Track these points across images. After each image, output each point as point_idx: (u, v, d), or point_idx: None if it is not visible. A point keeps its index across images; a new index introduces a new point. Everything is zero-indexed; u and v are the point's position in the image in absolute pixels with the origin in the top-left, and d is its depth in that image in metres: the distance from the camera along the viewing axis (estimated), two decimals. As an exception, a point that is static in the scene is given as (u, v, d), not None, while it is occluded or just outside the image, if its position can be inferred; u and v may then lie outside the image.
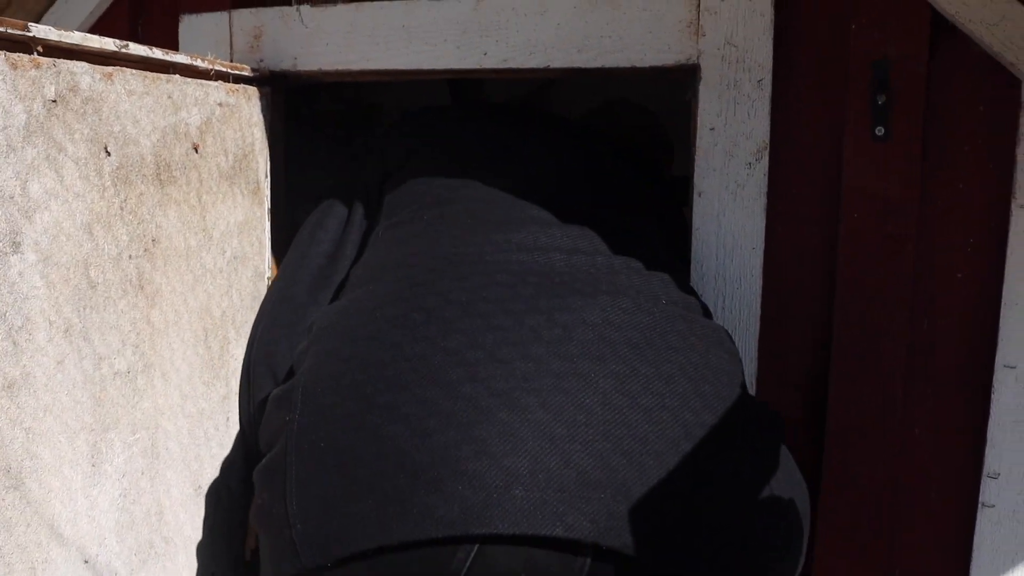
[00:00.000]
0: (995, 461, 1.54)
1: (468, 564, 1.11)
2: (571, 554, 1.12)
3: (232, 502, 1.62)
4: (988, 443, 1.54)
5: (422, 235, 1.48)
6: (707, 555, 1.17)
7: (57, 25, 1.84)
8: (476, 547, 1.12)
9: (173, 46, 1.85)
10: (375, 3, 1.70)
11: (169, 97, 1.39)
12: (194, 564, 1.51)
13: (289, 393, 1.33)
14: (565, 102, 2.45)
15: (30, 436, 1.11)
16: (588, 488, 1.13)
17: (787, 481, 1.27)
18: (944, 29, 1.47)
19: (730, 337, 1.36)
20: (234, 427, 1.62)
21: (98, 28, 1.95)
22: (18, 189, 1.08)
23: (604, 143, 1.81)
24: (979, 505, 1.56)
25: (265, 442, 1.36)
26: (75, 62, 1.18)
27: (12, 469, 1.09)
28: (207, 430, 1.54)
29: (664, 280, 1.38)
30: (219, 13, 1.82)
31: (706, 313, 1.41)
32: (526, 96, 2.50)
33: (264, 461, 1.31)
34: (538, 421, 1.15)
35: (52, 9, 1.94)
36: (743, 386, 1.29)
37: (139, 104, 1.31)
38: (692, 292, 1.44)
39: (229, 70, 1.62)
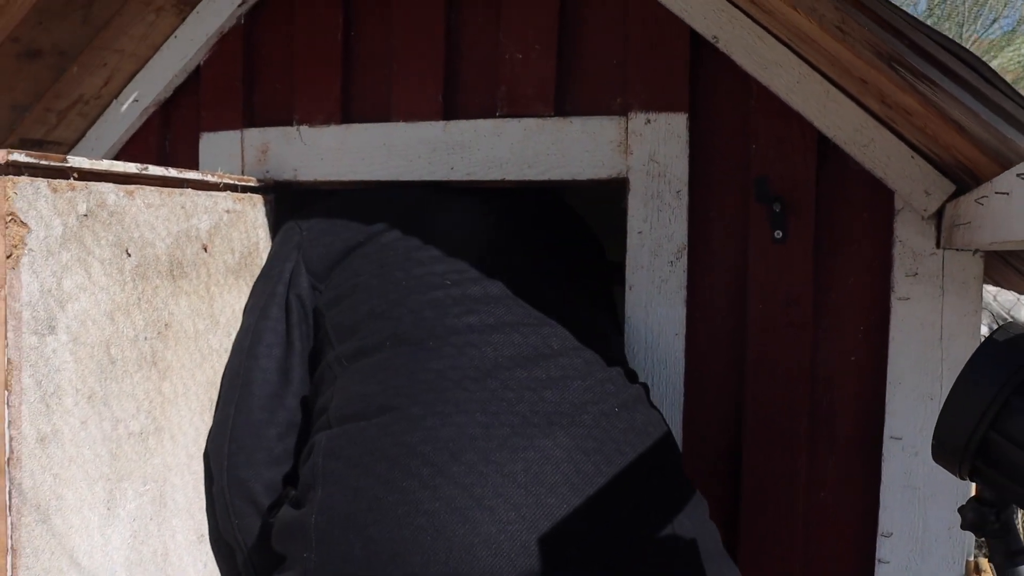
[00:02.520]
0: (888, 522, 1.77)
1: None
2: None
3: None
4: (881, 506, 1.77)
5: (388, 366, 1.58)
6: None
7: (98, 141, 2.19)
8: None
9: (195, 158, 2.18)
10: (361, 125, 2.02)
11: (182, 207, 1.70)
12: (196, 601, 1.77)
13: (300, 529, 1.42)
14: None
15: (57, 481, 1.39)
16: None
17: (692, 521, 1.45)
18: (830, 148, 1.74)
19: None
20: (234, 485, 1.88)
21: (132, 143, 2.28)
22: (54, 284, 1.38)
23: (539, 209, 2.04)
24: (876, 562, 1.78)
25: (272, 566, 1.51)
26: (103, 183, 1.49)
27: (42, 507, 1.36)
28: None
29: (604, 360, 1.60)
30: (232, 131, 2.15)
31: (632, 378, 1.64)
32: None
33: None
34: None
35: (94, 127, 2.28)
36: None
37: (156, 214, 1.61)
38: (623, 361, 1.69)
39: (237, 182, 1.92)
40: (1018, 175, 0.91)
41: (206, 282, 1.78)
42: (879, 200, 1.73)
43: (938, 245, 1.69)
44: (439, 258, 1.73)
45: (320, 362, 1.73)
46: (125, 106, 2.24)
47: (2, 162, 1.28)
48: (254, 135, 2.13)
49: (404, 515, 1.32)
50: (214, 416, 1.77)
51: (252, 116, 2.16)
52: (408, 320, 1.61)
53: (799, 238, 1.76)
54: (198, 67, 2.21)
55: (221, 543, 1.74)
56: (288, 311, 1.78)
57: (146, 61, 2.22)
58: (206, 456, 1.75)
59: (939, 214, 1.68)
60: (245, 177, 1.98)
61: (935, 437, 0.91)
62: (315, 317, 1.79)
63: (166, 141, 2.28)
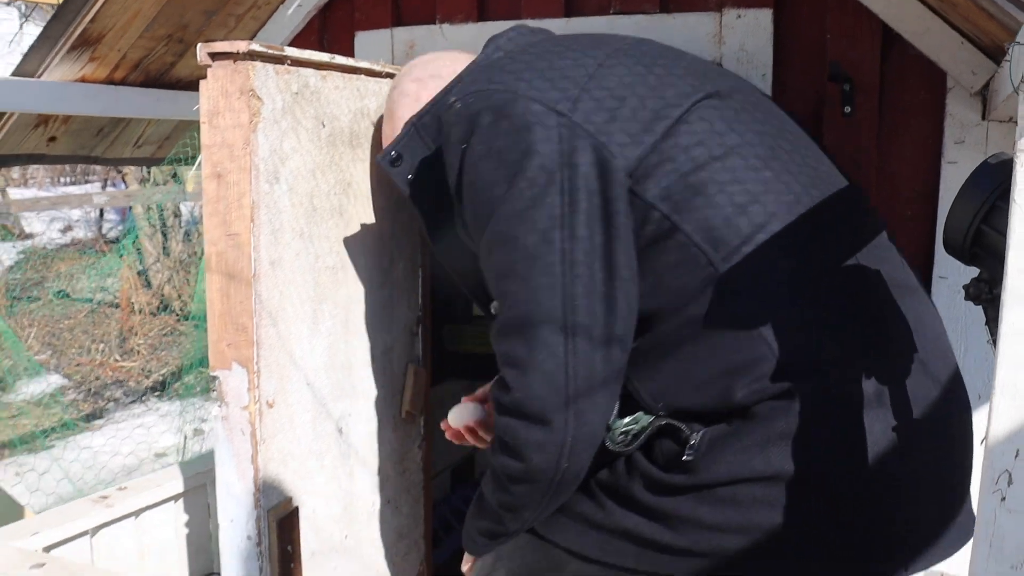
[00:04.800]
0: (935, 348, 2.14)
1: None
2: None
3: (394, 377, 2.33)
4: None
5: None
6: None
7: (268, 40, 2.60)
8: None
9: (350, 55, 2.59)
10: (494, 22, 2.40)
11: (357, 90, 2.11)
12: (372, 405, 2.23)
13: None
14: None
15: (281, 297, 1.84)
16: None
17: None
18: (893, 36, 2.08)
19: None
20: (398, 320, 2.32)
21: (296, 42, 2.71)
22: (278, 145, 1.80)
23: None
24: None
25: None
26: (306, 68, 1.90)
27: (273, 314, 1.81)
28: (381, 318, 2.25)
29: None
30: (383, 30, 2.55)
31: None
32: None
33: None
34: None
35: (264, 29, 2.70)
36: None
37: (340, 94, 2.03)
38: None
39: (395, 71, 2.33)
40: (1017, 42, 1.26)
41: (373, 151, 2.19)
42: (933, 80, 2.07)
43: (983, 117, 2.03)
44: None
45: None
46: (291, 10, 2.65)
47: (246, 51, 1.69)
48: (401, 33, 2.52)
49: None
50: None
51: (399, 16, 2.56)
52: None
53: (865, 113, 2.11)
54: (353, -26, 2.61)
55: None
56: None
57: (308, -30, 2.63)
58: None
59: (984, 90, 2.01)
60: (399, 67, 2.38)
61: (944, 233, 1.28)
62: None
63: (324, 40, 2.69)
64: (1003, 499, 1.09)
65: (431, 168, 1.72)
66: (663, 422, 1.50)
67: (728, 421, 1.44)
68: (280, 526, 1.82)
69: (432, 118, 1.71)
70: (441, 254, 1.84)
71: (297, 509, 1.90)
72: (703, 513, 1.45)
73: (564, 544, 1.67)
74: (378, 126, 2.11)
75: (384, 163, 1.78)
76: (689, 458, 1.45)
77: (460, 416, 1.87)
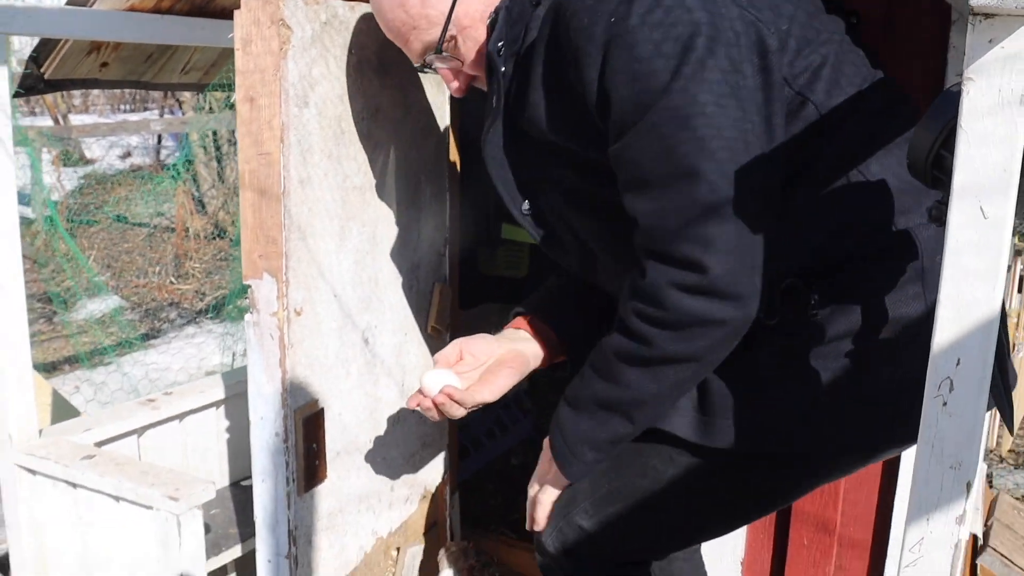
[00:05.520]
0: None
1: None
2: None
3: (421, 294, 2.47)
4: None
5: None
6: None
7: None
8: None
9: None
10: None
11: (386, 20, 2.21)
12: (398, 319, 2.38)
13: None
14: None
15: (310, 213, 1.98)
16: None
17: None
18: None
19: None
20: (424, 240, 2.46)
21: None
22: (307, 72, 1.93)
23: None
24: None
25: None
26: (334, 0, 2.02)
27: (302, 228, 1.95)
28: (407, 237, 2.38)
29: None
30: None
31: None
32: None
33: None
34: None
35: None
36: None
37: (368, 25, 2.13)
38: None
39: (423, 2, 2.42)
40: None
41: (401, 79, 2.30)
42: (938, 14, 2.12)
43: (987, 51, 2.08)
44: None
45: None
46: (329, -59, 2.75)
47: (275, -19, 1.81)
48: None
49: None
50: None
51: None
52: None
53: (871, 47, 2.17)
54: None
55: None
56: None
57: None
58: None
59: (989, 25, 2.07)
60: (429, -2, 2.48)
61: (907, 157, 1.37)
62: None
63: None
64: (944, 404, 1.19)
65: (530, 57, 1.68)
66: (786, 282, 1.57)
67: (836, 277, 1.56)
68: (306, 425, 1.98)
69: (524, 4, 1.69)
70: (494, 154, 1.80)
71: (323, 410, 2.05)
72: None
73: (678, 431, 1.67)
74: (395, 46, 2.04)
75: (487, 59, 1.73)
76: (816, 315, 1.55)
77: (435, 380, 1.85)
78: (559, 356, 1.99)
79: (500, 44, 1.69)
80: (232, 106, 8.51)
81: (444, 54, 1.77)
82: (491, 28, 1.72)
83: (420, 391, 1.87)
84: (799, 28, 1.55)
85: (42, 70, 2.84)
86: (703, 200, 1.42)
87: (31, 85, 2.89)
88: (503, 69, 1.71)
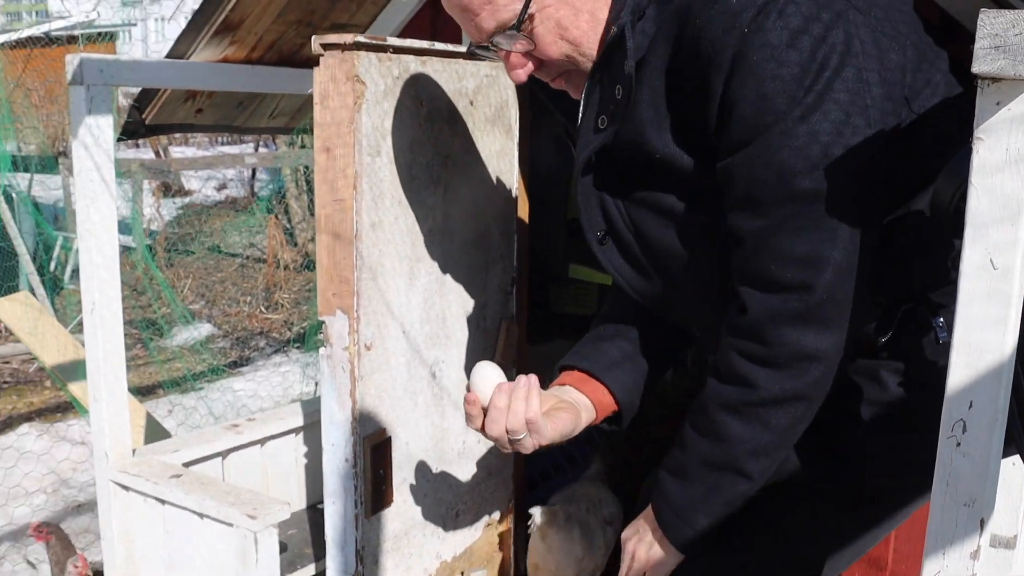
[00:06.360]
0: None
1: None
2: None
3: (487, 332, 2.60)
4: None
5: None
6: None
7: (386, 23, 2.89)
8: None
9: (459, 34, 2.84)
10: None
11: (455, 72, 2.36)
12: (464, 359, 2.50)
13: None
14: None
15: (381, 255, 2.12)
16: None
17: None
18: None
19: None
20: (492, 280, 2.59)
21: (411, 23, 2.98)
22: (379, 123, 2.08)
23: None
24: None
25: None
26: (407, 55, 2.17)
27: (373, 269, 2.10)
28: (475, 278, 2.52)
29: None
30: (489, 15, 2.79)
31: None
32: None
33: None
34: None
35: (383, 13, 2.99)
36: None
37: (439, 77, 2.28)
38: None
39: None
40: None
41: (471, 128, 2.45)
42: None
43: None
44: None
45: None
46: (407, -5, 2.93)
47: (351, 42, 1.97)
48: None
49: None
50: None
51: None
52: None
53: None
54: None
55: None
56: None
57: (423, -40, 2.89)
58: None
59: None
60: (499, 50, 2.63)
61: (930, 206, 1.42)
62: None
63: (436, 21, 2.95)
64: (958, 444, 1.26)
65: (656, 56, 1.58)
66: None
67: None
68: (374, 452, 2.12)
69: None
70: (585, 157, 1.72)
71: (390, 439, 2.19)
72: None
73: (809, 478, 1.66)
74: (483, 104, 2.06)
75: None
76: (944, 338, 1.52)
77: (484, 377, 1.73)
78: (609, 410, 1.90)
79: (630, 21, 1.57)
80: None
81: (519, 33, 1.61)
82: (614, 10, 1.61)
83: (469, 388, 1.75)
84: (913, 50, 1.52)
85: (143, 116, 3.07)
86: (818, 220, 1.41)
87: (133, 130, 3.12)
88: (627, 62, 1.58)
